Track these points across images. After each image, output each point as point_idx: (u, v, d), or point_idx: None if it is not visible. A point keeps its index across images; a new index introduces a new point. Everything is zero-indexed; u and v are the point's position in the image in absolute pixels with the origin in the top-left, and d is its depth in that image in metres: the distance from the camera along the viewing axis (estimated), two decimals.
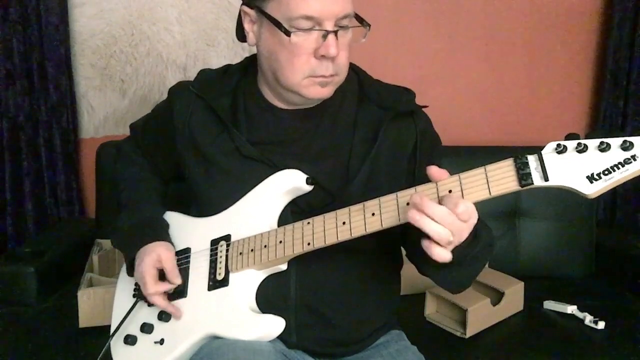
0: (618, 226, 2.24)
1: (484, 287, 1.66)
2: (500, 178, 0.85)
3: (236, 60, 1.28)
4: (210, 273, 1.11)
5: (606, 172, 0.79)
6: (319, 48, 1.01)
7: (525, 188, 0.83)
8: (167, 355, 1.08)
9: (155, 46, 2.17)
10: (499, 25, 2.22)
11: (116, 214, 1.26)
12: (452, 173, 0.89)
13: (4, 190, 2.15)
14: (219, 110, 1.14)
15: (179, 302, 1.12)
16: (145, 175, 1.31)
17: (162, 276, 1.13)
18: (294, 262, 1.06)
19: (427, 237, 0.85)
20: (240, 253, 1.07)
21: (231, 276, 1.08)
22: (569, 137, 0.82)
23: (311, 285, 1.08)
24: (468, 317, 1.53)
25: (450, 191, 0.87)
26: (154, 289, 1.11)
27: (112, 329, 1.18)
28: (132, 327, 1.16)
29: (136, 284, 1.19)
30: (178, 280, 1.12)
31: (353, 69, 1.17)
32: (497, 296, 1.64)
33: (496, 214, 1.95)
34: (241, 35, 1.14)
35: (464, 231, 0.87)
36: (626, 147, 0.78)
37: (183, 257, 1.17)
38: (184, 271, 1.15)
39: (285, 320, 1.03)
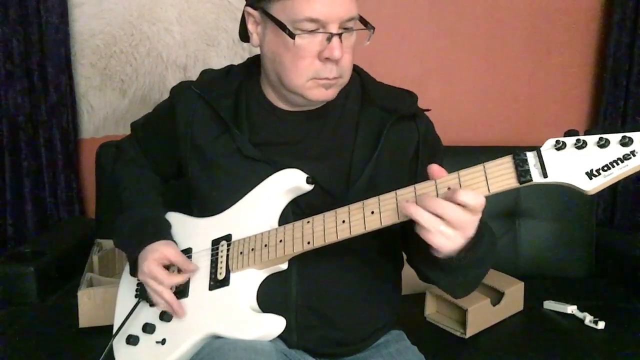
0: (618, 226, 2.23)
1: (484, 287, 1.66)
2: (499, 175, 0.84)
3: (236, 60, 1.29)
4: (211, 273, 1.11)
5: (605, 168, 0.78)
6: (323, 50, 1.01)
7: (524, 185, 0.83)
8: (169, 355, 1.08)
9: (155, 46, 2.17)
10: (499, 25, 2.22)
11: (117, 213, 1.26)
12: (451, 172, 0.89)
13: (4, 190, 2.15)
14: (220, 111, 1.14)
15: (180, 302, 1.12)
16: (146, 174, 1.31)
17: None
18: (295, 261, 1.06)
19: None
20: (241, 252, 1.07)
21: (232, 276, 1.08)
22: (568, 133, 0.82)
23: (312, 285, 1.08)
24: (468, 317, 1.53)
25: (448, 188, 0.87)
26: (169, 280, 1.10)
27: (115, 329, 1.18)
28: (134, 327, 1.16)
29: (138, 284, 1.19)
30: (194, 267, 1.12)
31: (356, 70, 1.17)
32: (497, 296, 1.64)
33: (496, 214, 1.95)
34: (244, 36, 1.14)
35: (467, 223, 0.85)
36: (625, 142, 0.77)
37: None
38: None
39: (286, 320, 1.02)
